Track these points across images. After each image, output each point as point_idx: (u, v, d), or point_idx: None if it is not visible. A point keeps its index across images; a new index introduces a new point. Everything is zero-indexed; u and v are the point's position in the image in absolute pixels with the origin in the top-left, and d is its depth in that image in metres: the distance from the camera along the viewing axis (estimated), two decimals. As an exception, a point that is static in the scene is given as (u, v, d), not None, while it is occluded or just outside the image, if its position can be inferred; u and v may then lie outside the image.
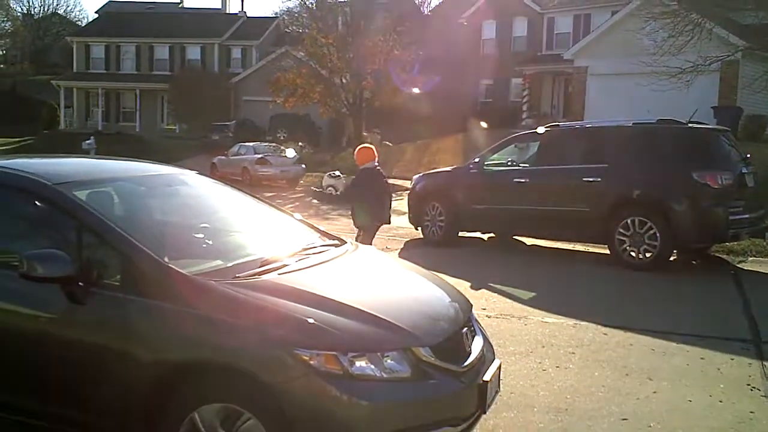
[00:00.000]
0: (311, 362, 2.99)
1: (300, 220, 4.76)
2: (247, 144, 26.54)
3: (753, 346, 6.04)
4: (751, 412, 4.57)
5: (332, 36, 29.87)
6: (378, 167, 8.56)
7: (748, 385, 5.10)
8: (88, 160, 5.55)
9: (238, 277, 3.39)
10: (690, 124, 9.79)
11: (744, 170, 9.50)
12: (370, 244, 7.99)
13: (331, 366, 3.01)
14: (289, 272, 3.59)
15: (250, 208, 4.74)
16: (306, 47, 31.02)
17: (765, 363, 5.59)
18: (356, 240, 7.49)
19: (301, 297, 3.27)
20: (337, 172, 10.06)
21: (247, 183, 22.52)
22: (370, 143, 10.37)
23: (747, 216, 9.35)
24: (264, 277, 3.46)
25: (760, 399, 4.83)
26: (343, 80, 30.11)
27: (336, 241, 4.43)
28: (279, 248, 3.98)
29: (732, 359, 5.66)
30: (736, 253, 10.57)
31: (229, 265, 3.61)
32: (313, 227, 4.71)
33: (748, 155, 10.19)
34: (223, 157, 26.04)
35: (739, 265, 9.92)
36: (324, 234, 4.59)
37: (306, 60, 31.41)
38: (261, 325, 3.08)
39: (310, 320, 3.11)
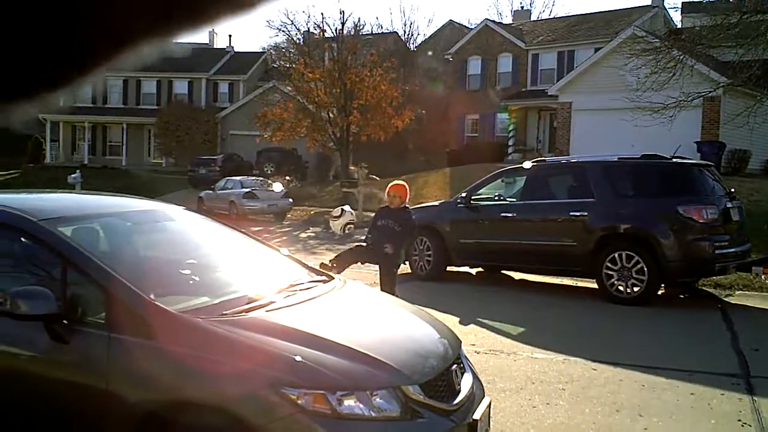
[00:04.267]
0: (299, 401, 2.93)
1: (287, 256, 4.73)
2: (234, 178, 26.48)
3: (743, 381, 6.01)
4: (743, 449, 4.54)
5: (319, 71, 30.13)
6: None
7: (739, 420, 5.07)
8: (74, 196, 5.53)
9: (225, 314, 3.35)
10: (674, 159, 9.91)
11: (729, 204, 9.58)
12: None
13: (319, 405, 2.95)
14: (277, 309, 3.55)
15: (237, 243, 4.70)
16: (293, 82, 31.26)
17: (755, 398, 5.56)
18: (389, 282, 7.09)
19: (289, 334, 3.23)
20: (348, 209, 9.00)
21: (234, 217, 22.43)
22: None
23: (733, 250, 9.41)
24: (251, 314, 3.41)
25: (752, 435, 4.80)
26: (330, 115, 30.30)
27: (324, 277, 4.40)
28: (266, 285, 3.95)
29: (722, 394, 5.63)
30: (722, 286, 10.62)
31: (216, 301, 3.57)
32: (300, 263, 4.68)
33: (733, 190, 10.30)
34: (210, 192, 25.94)
35: (726, 299, 9.96)
36: (312, 270, 4.56)
37: (293, 95, 31.60)
38: (247, 363, 3.03)
39: (298, 358, 3.07)
